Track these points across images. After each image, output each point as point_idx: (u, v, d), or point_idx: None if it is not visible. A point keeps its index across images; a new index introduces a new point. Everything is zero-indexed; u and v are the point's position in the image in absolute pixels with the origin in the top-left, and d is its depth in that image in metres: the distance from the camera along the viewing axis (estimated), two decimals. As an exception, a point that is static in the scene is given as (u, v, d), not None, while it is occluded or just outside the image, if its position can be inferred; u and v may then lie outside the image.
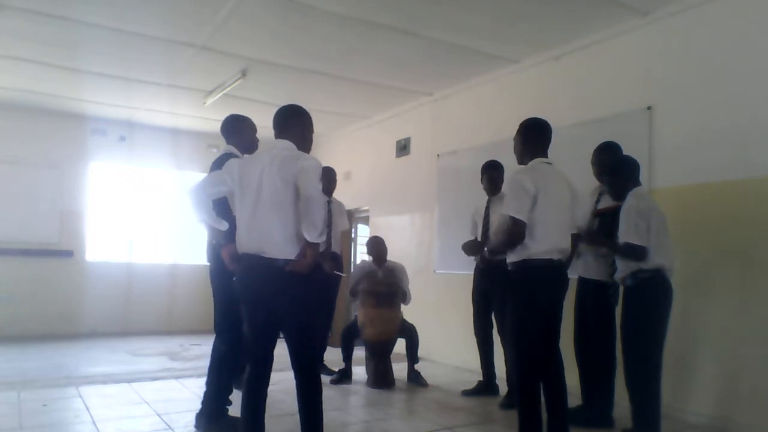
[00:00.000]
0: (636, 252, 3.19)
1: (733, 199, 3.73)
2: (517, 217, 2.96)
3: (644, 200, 3.30)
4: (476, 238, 4.54)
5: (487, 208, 4.49)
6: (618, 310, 3.46)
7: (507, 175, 4.47)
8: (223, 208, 2.88)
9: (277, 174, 2.62)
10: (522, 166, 3.20)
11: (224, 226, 2.87)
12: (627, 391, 3.29)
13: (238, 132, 3.57)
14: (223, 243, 2.99)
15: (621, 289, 3.47)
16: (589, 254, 3.70)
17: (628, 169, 3.44)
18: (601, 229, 3.59)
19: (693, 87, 4.00)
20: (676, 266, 3.31)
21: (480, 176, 4.58)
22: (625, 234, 3.22)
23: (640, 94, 4.31)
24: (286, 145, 2.77)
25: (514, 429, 3.02)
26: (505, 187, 3.13)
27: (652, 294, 3.22)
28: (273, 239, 2.61)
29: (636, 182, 3.41)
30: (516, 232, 2.97)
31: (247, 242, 2.67)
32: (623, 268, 3.31)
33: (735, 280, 3.68)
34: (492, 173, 4.49)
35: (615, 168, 3.49)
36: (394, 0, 4.21)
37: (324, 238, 2.79)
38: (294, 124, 2.83)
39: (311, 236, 2.57)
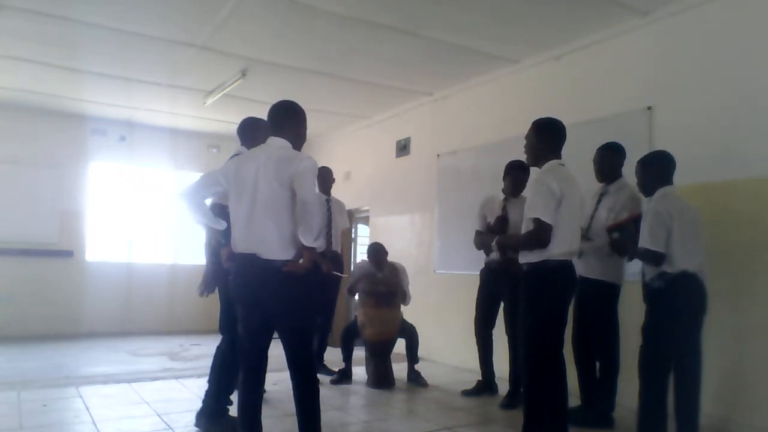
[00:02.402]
0: (652, 258, 3.14)
1: (733, 199, 3.73)
2: (544, 220, 2.91)
3: (667, 202, 3.19)
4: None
5: (505, 208, 4.33)
6: (638, 312, 3.39)
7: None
8: (221, 208, 2.88)
9: (273, 175, 2.61)
10: (536, 167, 3.17)
11: (222, 225, 2.87)
12: (638, 397, 3.23)
13: (251, 134, 3.46)
14: (223, 242, 2.98)
15: (644, 290, 3.36)
16: (592, 254, 3.69)
17: (657, 165, 3.32)
18: (626, 239, 3.46)
19: (693, 87, 4.00)
20: (705, 270, 3.21)
21: (502, 176, 4.40)
22: (643, 239, 3.18)
23: (640, 94, 4.31)
24: (282, 143, 2.75)
25: (513, 429, 3.02)
26: (529, 189, 3.06)
27: (676, 297, 3.13)
28: (269, 241, 2.60)
29: (666, 180, 3.29)
30: (542, 234, 2.92)
31: (243, 243, 2.66)
32: (649, 270, 3.25)
33: (735, 280, 3.68)
34: (518, 174, 4.28)
35: (644, 162, 3.38)
36: (394, 0, 4.21)
37: (320, 242, 2.79)
38: (290, 122, 2.81)
39: (307, 240, 2.57)
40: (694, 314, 3.18)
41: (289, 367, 2.71)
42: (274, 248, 2.60)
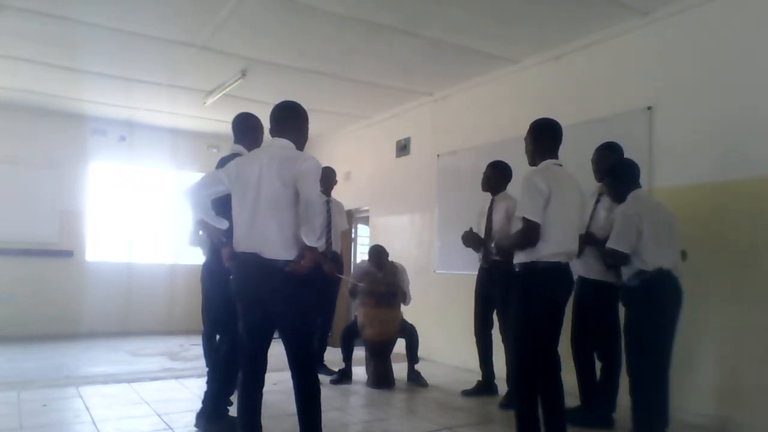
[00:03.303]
0: (617, 258, 3.24)
1: (733, 199, 3.73)
2: (531, 218, 2.91)
3: (637, 204, 3.29)
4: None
5: (490, 208, 4.44)
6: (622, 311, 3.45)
7: (511, 174, 4.48)
8: (223, 207, 2.88)
9: (276, 175, 2.61)
10: (533, 167, 3.17)
11: (224, 224, 2.87)
12: (630, 394, 3.27)
13: (248, 131, 3.50)
14: (225, 241, 2.99)
15: (621, 291, 3.44)
16: (591, 255, 3.69)
17: (626, 171, 3.44)
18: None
19: (693, 87, 4.00)
20: (679, 267, 3.27)
21: (483, 175, 4.53)
22: (610, 240, 3.28)
23: (640, 94, 4.31)
24: (285, 143, 2.76)
25: (513, 429, 3.02)
26: (519, 188, 3.10)
27: (653, 294, 3.19)
28: (271, 241, 2.61)
29: (635, 184, 3.41)
30: (530, 233, 2.92)
31: (245, 242, 2.67)
32: (626, 270, 3.31)
33: (734, 280, 3.68)
34: (494, 172, 4.45)
35: (612, 171, 3.50)
36: (394, 0, 4.21)
37: (323, 242, 2.79)
38: (292, 122, 2.82)
39: (310, 241, 2.57)
40: (672, 310, 3.23)
41: (290, 367, 2.71)
42: (277, 248, 2.61)
